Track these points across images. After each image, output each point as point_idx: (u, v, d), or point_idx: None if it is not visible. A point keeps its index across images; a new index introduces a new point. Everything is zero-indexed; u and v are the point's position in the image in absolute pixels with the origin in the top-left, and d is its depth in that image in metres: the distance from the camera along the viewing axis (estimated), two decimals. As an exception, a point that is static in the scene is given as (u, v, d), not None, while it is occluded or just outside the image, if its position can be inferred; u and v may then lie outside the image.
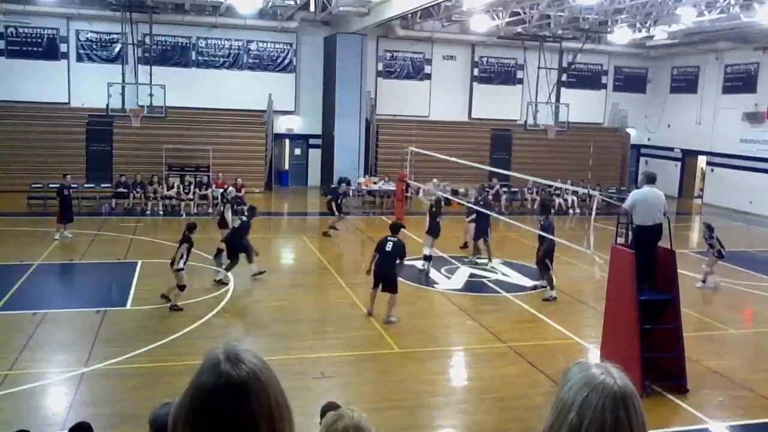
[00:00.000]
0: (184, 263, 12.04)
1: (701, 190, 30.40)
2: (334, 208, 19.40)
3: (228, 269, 13.85)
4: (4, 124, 24.21)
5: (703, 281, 14.99)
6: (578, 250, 13.67)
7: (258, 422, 1.47)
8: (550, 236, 13.60)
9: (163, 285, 13.54)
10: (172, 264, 11.99)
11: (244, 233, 13.90)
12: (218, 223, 15.13)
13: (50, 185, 20.86)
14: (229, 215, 14.95)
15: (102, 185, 23.68)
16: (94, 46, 25.88)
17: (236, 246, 13.75)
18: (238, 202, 22.84)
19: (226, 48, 27.23)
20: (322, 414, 4.61)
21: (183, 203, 22.50)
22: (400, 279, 14.85)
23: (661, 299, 9.61)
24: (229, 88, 26.91)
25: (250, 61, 27.56)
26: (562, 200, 25.62)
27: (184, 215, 21.93)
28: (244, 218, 14.31)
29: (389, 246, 11.87)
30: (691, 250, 18.88)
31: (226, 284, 13.63)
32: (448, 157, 20.63)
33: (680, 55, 30.12)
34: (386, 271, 11.82)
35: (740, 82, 28.00)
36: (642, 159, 33.18)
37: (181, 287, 11.94)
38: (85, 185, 23.53)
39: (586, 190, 20.10)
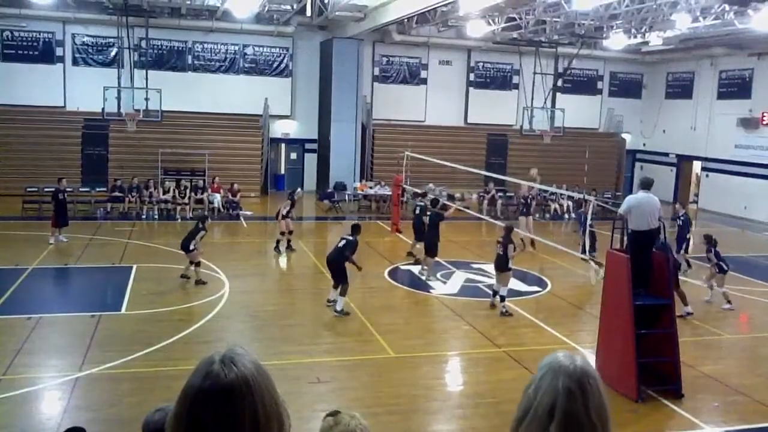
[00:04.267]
0: (194, 246, 13.79)
1: (696, 195, 30.49)
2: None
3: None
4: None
5: (729, 301, 13.95)
6: (574, 254, 13.70)
7: (240, 427, 1.45)
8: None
9: (158, 289, 13.54)
10: (186, 249, 13.86)
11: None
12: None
13: (45, 189, 20.83)
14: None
15: (97, 189, 23.65)
16: (90, 50, 25.86)
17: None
18: (233, 207, 22.89)
19: (223, 52, 27.23)
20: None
21: (179, 207, 22.46)
22: (397, 284, 14.93)
23: (656, 304, 9.63)
24: (225, 93, 26.91)
25: (246, 65, 27.57)
26: (557, 205, 25.68)
27: (179, 219, 21.90)
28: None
29: (341, 243, 12.67)
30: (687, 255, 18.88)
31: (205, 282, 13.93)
32: (444, 162, 20.65)
33: (675, 60, 30.25)
34: (334, 263, 12.56)
35: (735, 87, 28.12)
36: (637, 164, 33.28)
37: (197, 264, 13.82)
38: (81, 189, 23.52)
39: (581, 195, 20.17)
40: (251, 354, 1.55)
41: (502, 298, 12.88)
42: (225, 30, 26.48)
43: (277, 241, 17.44)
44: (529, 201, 19.21)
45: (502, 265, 12.94)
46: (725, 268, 13.91)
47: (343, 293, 12.36)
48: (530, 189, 19.13)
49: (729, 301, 13.83)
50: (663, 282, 9.69)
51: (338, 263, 12.46)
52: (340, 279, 12.45)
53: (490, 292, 13.49)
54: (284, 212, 17.37)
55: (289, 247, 17.53)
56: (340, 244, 12.65)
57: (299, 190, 18.66)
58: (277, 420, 1.51)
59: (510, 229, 13.51)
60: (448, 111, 29.91)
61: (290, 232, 17.54)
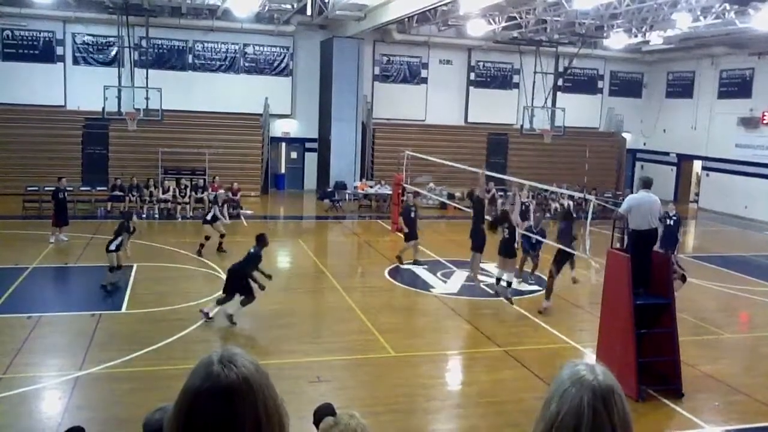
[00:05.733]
0: (117, 247, 13.38)
1: (696, 194, 30.48)
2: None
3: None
4: (0, 126, 24.16)
5: None
6: (574, 254, 13.68)
7: (242, 427, 1.45)
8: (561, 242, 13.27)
9: (158, 288, 13.54)
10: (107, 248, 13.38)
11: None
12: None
13: (46, 188, 20.82)
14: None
15: (98, 188, 23.65)
16: (91, 49, 25.87)
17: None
18: (234, 205, 22.86)
19: (223, 51, 27.23)
20: (315, 415, 4.61)
21: (179, 207, 22.46)
22: (397, 283, 14.91)
23: (656, 303, 9.62)
24: (225, 92, 26.91)
25: (246, 64, 27.57)
26: (558, 204, 25.64)
27: (179, 219, 21.91)
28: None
29: (245, 256, 11.75)
30: (687, 254, 18.90)
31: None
32: (444, 161, 20.64)
33: (676, 60, 30.23)
34: (234, 275, 11.50)
35: (735, 87, 28.11)
36: (638, 163, 33.28)
37: (111, 268, 13.31)
38: (81, 188, 23.51)
39: (582, 195, 20.15)
40: (247, 353, 1.55)
41: (508, 284, 12.94)
42: (225, 29, 26.48)
43: (219, 243, 16.91)
44: (527, 206, 19.22)
45: (508, 251, 13.00)
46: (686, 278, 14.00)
47: (243, 303, 11.36)
48: (529, 196, 19.27)
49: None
50: (663, 281, 9.69)
51: (239, 277, 11.40)
52: (242, 292, 11.34)
53: (494, 282, 13.54)
54: (208, 217, 16.84)
55: (219, 249, 16.81)
56: (243, 258, 11.74)
57: (221, 191, 18.29)
58: (278, 419, 1.51)
59: (505, 213, 13.58)
60: (449, 110, 29.90)
61: (221, 236, 16.85)
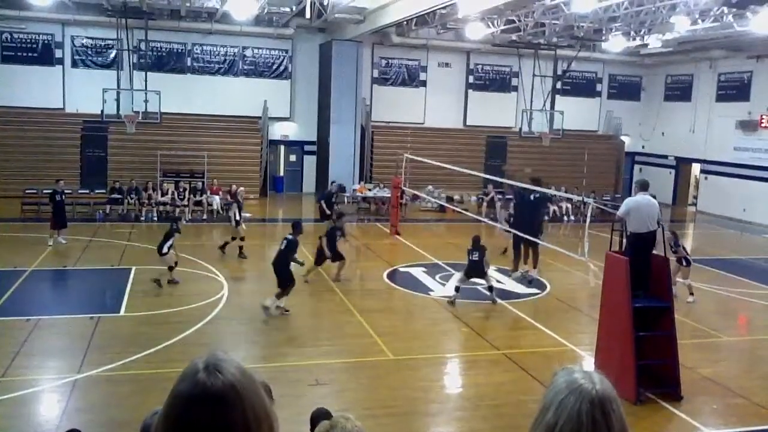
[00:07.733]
0: (168, 249, 13.79)
1: (695, 197, 30.51)
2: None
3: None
4: (-2, 129, 24.19)
5: (692, 293, 14.35)
6: (573, 257, 13.70)
7: None
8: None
9: (157, 291, 13.52)
10: (159, 252, 13.79)
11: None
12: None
13: (44, 191, 20.80)
14: None
15: (96, 191, 23.64)
16: (90, 52, 25.88)
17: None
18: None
19: (222, 54, 27.25)
20: (312, 419, 4.62)
21: (177, 209, 22.45)
22: (396, 286, 14.91)
23: (655, 306, 9.62)
24: (224, 95, 26.92)
25: (245, 67, 27.58)
26: (556, 207, 25.66)
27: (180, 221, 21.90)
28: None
29: (283, 244, 12.44)
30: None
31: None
32: (442, 164, 20.66)
33: (674, 63, 30.28)
34: (279, 265, 12.35)
35: (734, 90, 28.15)
36: (636, 166, 33.30)
37: (170, 267, 13.87)
38: (80, 191, 23.51)
39: (580, 198, 20.17)
40: (234, 358, 1.54)
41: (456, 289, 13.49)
42: (224, 32, 26.50)
43: (240, 247, 16.85)
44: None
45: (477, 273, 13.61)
46: (690, 261, 14.48)
47: (279, 295, 12.17)
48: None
49: (692, 293, 14.29)
50: (662, 284, 9.69)
51: (283, 265, 12.27)
52: (286, 281, 12.23)
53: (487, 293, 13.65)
54: (237, 218, 16.82)
55: (240, 254, 16.79)
56: (282, 246, 12.39)
57: (241, 188, 18.38)
58: (268, 424, 1.51)
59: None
60: (447, 113, 29.92)
61: (242, 239, 16.80)
